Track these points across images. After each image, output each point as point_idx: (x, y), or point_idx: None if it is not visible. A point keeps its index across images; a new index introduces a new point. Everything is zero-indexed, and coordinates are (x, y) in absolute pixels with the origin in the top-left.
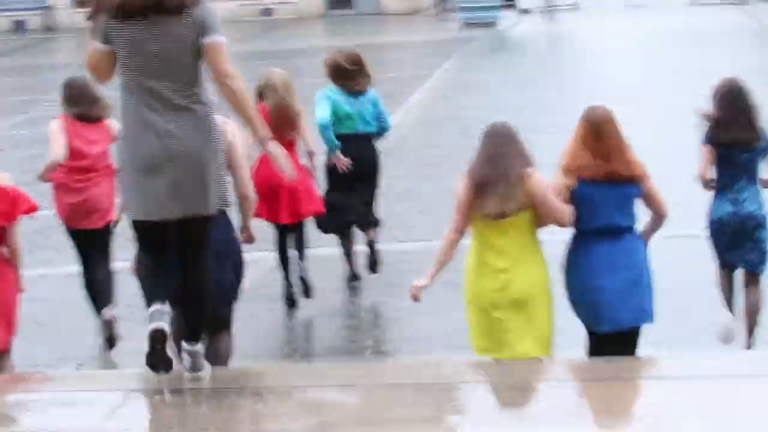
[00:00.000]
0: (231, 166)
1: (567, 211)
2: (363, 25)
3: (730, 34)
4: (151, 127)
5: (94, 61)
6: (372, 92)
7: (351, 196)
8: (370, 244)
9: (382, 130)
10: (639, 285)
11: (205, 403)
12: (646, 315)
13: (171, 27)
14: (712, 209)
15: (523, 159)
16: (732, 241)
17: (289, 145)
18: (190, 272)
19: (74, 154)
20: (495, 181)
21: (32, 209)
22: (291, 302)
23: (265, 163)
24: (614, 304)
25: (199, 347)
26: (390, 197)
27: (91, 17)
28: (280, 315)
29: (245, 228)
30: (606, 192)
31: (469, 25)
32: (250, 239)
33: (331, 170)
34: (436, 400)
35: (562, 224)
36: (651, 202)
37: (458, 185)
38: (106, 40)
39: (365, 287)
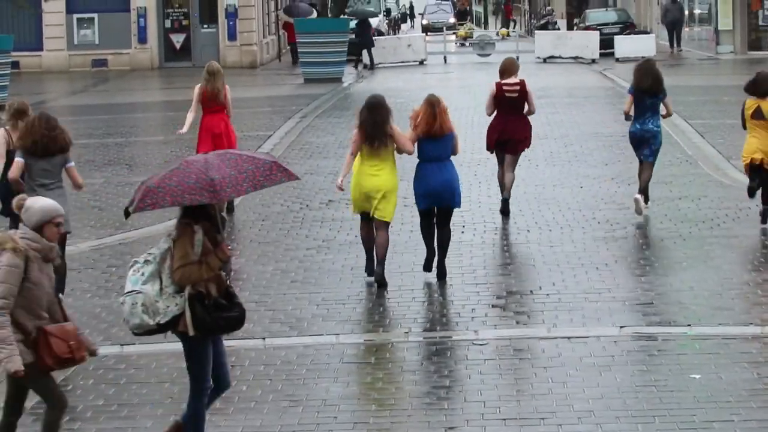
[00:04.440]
0: None
1: (410, 145)
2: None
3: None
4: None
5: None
6: None
7: None
8: None
9: None
10: (453, 185)
11: None
12: (457, 201)
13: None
14: (630, 127)
15: (389, 117)
16: (638, 144)
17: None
18: None
19: None
20: (374, 131)
21: None
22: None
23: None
24: (439, 193)
25: None
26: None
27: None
28: None
29: None
30: (436, 141)
31: (311, 80)
32: None
33: None
34: None
35: (408, 153)
36: (456, 144)
37: (354, 135)
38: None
39: None
